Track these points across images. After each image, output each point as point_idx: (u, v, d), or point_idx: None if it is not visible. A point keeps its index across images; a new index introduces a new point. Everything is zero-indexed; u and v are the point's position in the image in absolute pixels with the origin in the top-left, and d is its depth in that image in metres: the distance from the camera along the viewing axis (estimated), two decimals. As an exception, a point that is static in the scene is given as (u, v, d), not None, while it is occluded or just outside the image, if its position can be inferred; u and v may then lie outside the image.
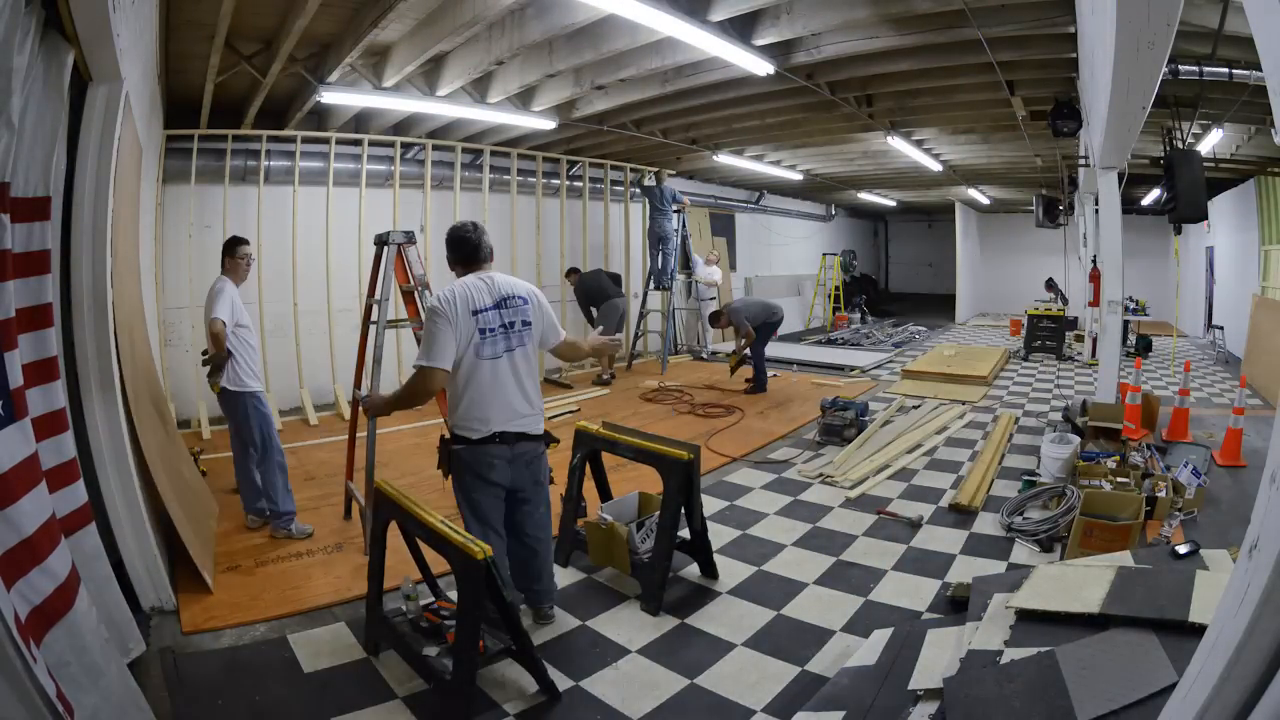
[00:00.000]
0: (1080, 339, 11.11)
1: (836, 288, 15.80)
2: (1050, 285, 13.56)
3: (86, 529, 2.42)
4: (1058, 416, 6.18)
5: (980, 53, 4.89)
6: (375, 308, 3.92)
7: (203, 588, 3.18)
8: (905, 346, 11.57)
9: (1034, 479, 4.43)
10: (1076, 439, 4.90)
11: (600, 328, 7.70)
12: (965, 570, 3.39)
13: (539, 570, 2.91)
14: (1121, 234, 5.45)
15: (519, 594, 2.90)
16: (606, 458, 3.70)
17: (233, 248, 3.99)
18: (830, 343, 12.50)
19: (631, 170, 10.30)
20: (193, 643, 2.80)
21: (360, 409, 3.79)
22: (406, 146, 7.51)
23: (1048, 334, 10.58)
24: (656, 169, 10.71)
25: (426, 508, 2.59)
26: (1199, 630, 1.70)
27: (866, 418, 6.05)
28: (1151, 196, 10.50)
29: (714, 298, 10.49)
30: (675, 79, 5.88)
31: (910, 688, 2.22)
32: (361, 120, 7.17)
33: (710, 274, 10.57)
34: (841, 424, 5.79)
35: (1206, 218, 7.70)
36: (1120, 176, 5.31)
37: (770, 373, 9.10)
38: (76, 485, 2.38)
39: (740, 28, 4.73)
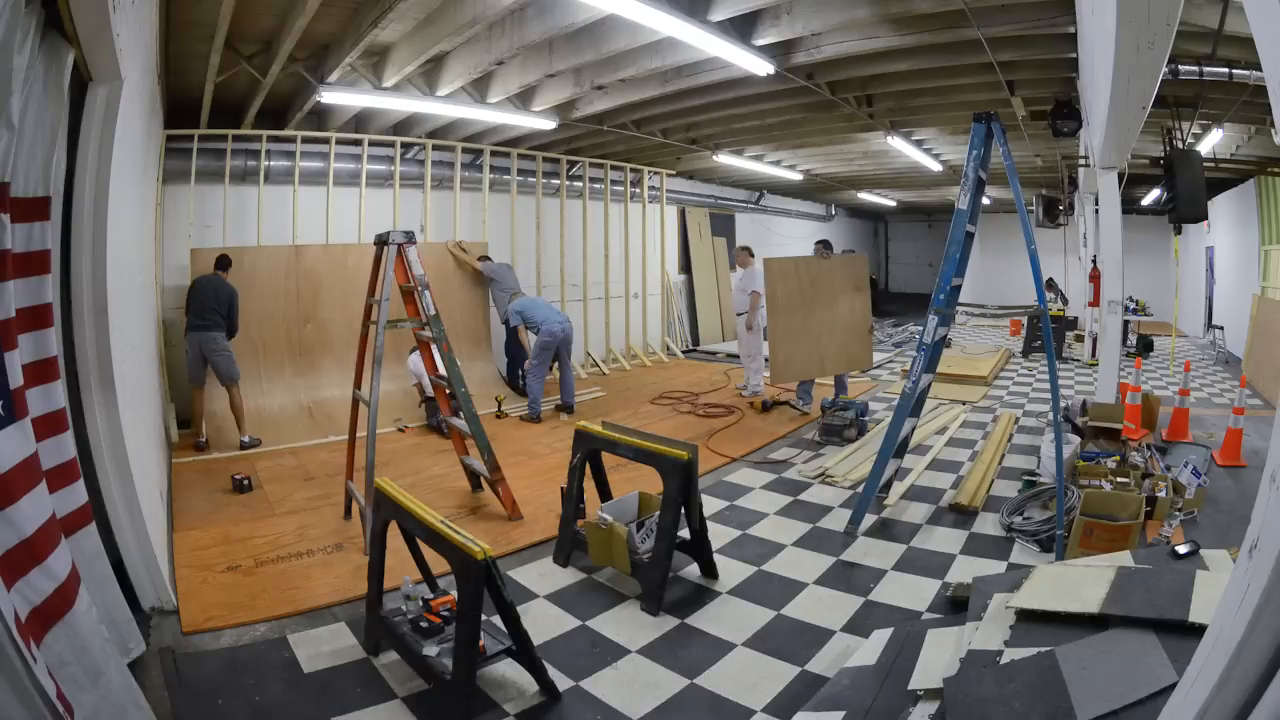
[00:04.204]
0: (1080, 339, 11.10)
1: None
2: (1050, 285, 13.55)
3: (86, 529, 2.42)
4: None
5: (980, 53, 4.89)
6: (375, 308, 3.92)
7: (201, 583, 3.19)
8: (905, 346, 11.58)
9: (1034, 479, 4.43)
10: (1077, 439, 4.90)
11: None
12: (965, 570, 3.39)
13: None
14: (1121, 234, 5.45)
15: None
16: (606, 458, 3.70)
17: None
18: (830, 343, 12.48)
19: (631, 170, 10.30)
20: (193, 643, 2.80)
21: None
22: (406, 146, 7.51)
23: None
24: (657, 169, 10.72)
25: (426, 508, 2.59)
26: (1199, 630, 1.70)
27: (866, 418, 6.05)
28: (1151, 196, 10.51)
29: None
30: (675, 79, 5.88)
31: (910, 688, 2.22)
32: (361, 120, 7.17)
33: None
34: (841, 424, 5.80)
35: (1206, 218, 7.71)
36: (1120, 176, 5.31)
37: (769, 372, 9.09)
38: (76, 485, 2.38)
39: (740, 28, 4.73)
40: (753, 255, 7.78)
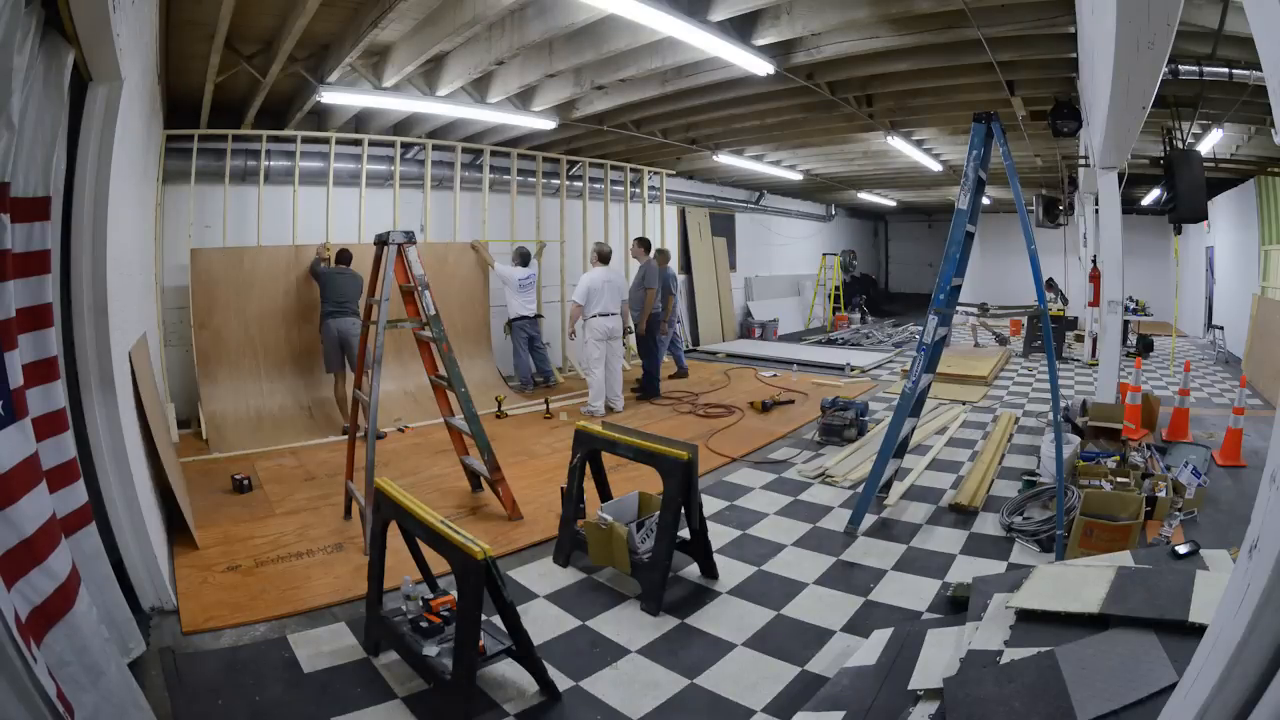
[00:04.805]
0: (1080, 339, 11.09)
1: (836, 288, 15.81)
2: (1050, 285, 13.55)
3: (86, 529, 2.42)
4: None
5: (980, 53, 4.89)
6: (375, 307, 3.92)
7: (201, 583, 3.21)
8: (905, 346, 11.58)
9: (1034, 479, 4.43)
10: (1076, 439, 4.90)
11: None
12: (965, 570, 3.39)
13: None
14: (1121, 234, 5.45)
15: None
16: (606, 458, 3.70)
17: None
18: (830, 343, 12.51)
19: (631, 170, 10.30)
20: (193, 643, 2.80)
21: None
22: (406, 146, 7.51)
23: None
24: (657, 169, 10.71)
25: (426, 508, 2.59)
26: (1199, 630, 1.70)
27: (866, 418, 6.05)
28: (1151, 196, 10.50)
29: None
30: (675, 79, 5.88)
31: (910, 688, 2.22)
32: (361, 120, 7.17)
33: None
34: (841, 424, 5.80)
35: (1206, 218, 7.71)
36: (1120, 176, 5.31)
37: (770, 372, 9.12)
38: (76, 485, 2.38)
39: (740, 28, 4.73)
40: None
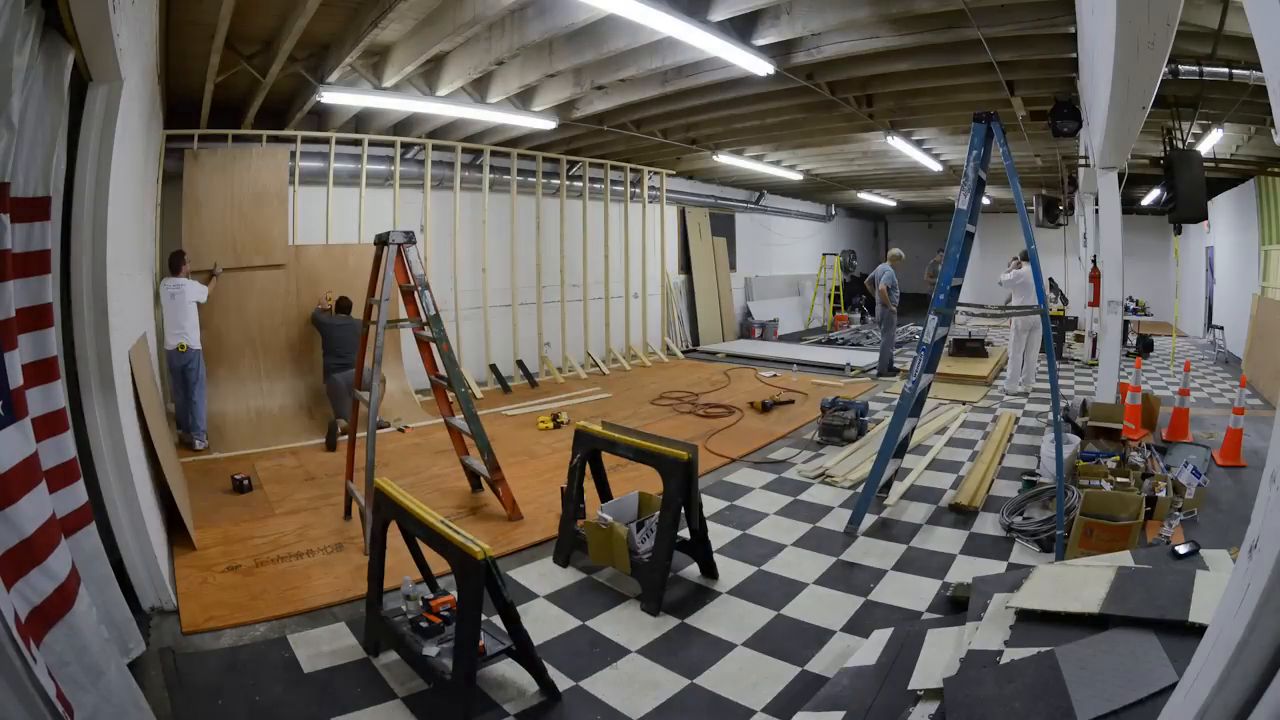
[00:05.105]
0: (1080, 339, 11.08)
1: (836, 288, 15.80)
2: (1050, 285, 13.54)
3: (86, 529, 2.43)
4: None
5: (980, 53, 4.89)
6: (375, 307, 3.92)
7: (201, 583, 3.21)
8: (905, 346, 11.57)
9: (1034, 479, 4.43)
10: (1076, 439, 4.90)
11: None
12: (965, 570, 3.39)
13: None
14: (1121, 234, 5.44)
15: None
16: (606, 458, 3.70)
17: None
18: (830, 343, 12.51)
19: (631, 170, 10.30)
20: (193, 643, 2.80)
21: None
22: (406, 146, 7.51)
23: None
24: (657, 169, 10.71)
25: (426, 508, 2.59)
26: (1199, 630, 1.70)
27: (866, 418, 6.05)
28: (1151, 196, 10.49)
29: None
30: (675, 79, 5.88)
31: (910, 688, 2.22)
32: (361, 120, 7.17)
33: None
34: (841, 424, 5.79)
35: (1206, 218, 7.71)
36: (1120, 176, 5.31)
37: (769, 372, 9.13)
38: (76, 485, 2.38)
39: (740, 28, 4.73)
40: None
